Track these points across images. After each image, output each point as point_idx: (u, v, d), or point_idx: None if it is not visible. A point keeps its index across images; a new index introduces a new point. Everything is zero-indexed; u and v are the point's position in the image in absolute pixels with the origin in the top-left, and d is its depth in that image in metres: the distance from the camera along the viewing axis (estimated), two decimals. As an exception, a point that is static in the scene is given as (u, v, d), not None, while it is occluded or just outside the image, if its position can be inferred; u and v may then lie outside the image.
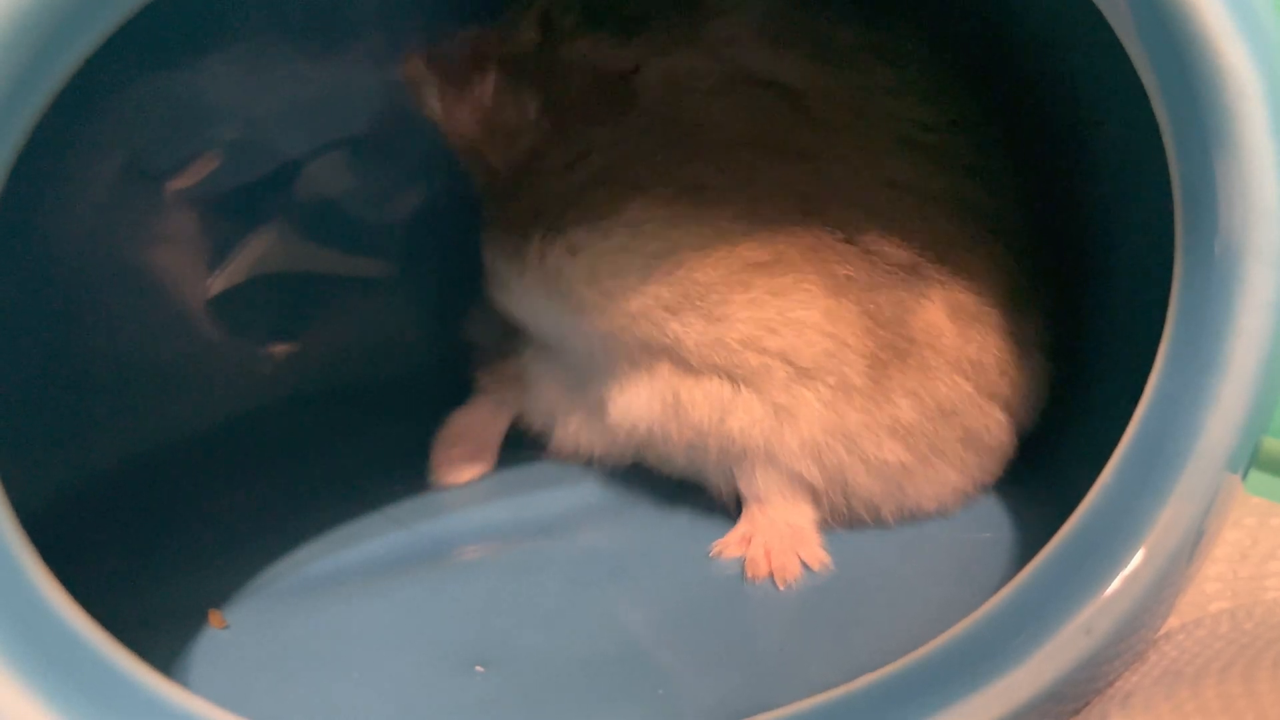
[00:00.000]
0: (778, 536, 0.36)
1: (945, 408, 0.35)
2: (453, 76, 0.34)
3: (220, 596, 0.35)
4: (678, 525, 0.39)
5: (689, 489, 0.39)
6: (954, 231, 0.34)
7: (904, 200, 0.34)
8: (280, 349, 0.48)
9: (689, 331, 0.33)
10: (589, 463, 0.41)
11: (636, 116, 0.33)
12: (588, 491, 0.41)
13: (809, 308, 0.33)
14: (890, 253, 0.33)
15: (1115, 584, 0.28)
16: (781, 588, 0.35)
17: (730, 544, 0.37)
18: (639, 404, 0.36)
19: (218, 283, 0.46)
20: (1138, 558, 0.28)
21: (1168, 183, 0.28)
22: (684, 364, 0.34)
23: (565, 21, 0.34)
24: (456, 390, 0.43)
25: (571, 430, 0.40)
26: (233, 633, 0.34)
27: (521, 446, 0.43)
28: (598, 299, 0.34)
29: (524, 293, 0.36)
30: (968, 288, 0.34)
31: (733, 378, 0.34)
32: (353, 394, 0.48)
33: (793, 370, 0.33)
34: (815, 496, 0.36)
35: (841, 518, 0.37)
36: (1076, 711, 0.29)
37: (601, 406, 0.37)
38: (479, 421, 0.43)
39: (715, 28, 0.34)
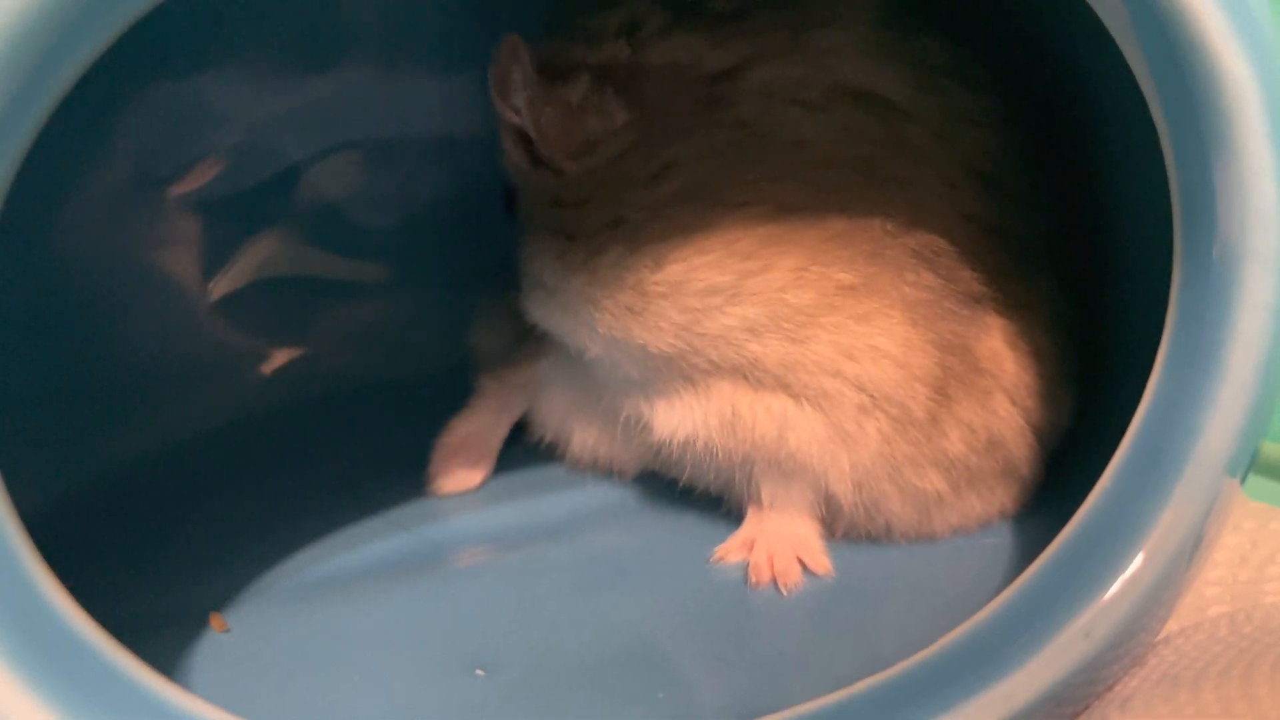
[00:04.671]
0: (781, 542, 0.36)
1: (994, 439, 0.34)
2: (545, 72, 0.32)
3: (221, 599, 0.35)
4: (680, 529, 0.39)
5: (691, 493, 0.39)
6: (1009, 263, 0.34)
7: (973, 232, 0.34)
8: (282, 352, 0.48)
9: (769, 353, 0.33)
10: (605, 473, 0.41)
11: (727, 127, 0.32)
12: (590, 495, 0.41)
13: (889, 336, 0.32)
14: (962, 283, 0.33)
15: (1115, 587, 0.28)
16: (784, 593, 0.35)
17: (732, 549, 0.37)
18: (693, 420, 0.35)
19: (219, 287, 0.46)
20: (1137, 561, 0.28)
21: (1167, 187, 0.28)
22: (747, 381, 0.34)
23: (652, 23, 0.33)
24: (458, 393, 0.43)
25: (591, 442, 0.40)
26: (234, 635, 0.34)
27: (523, 448, 0.43)
28: (677, 316, 0.32)
29: (586, 306, 0.34)
30: (1020, 317, 0.34)
31: (798, 396, 0.34)
32: (355, 397, 0.48)
33: (865, 398, 0.33)
34: (838, 514, 0.36)
35: (858, 535, 0.37)
36: (1076, 714, 0.29)
37: (639, 422, 0.37)
38: (479, 429, 0.42)
39: (818, 37, 0.33)
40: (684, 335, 0.33)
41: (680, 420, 0.35)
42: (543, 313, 0.36)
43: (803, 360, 0.33)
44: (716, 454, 0.35)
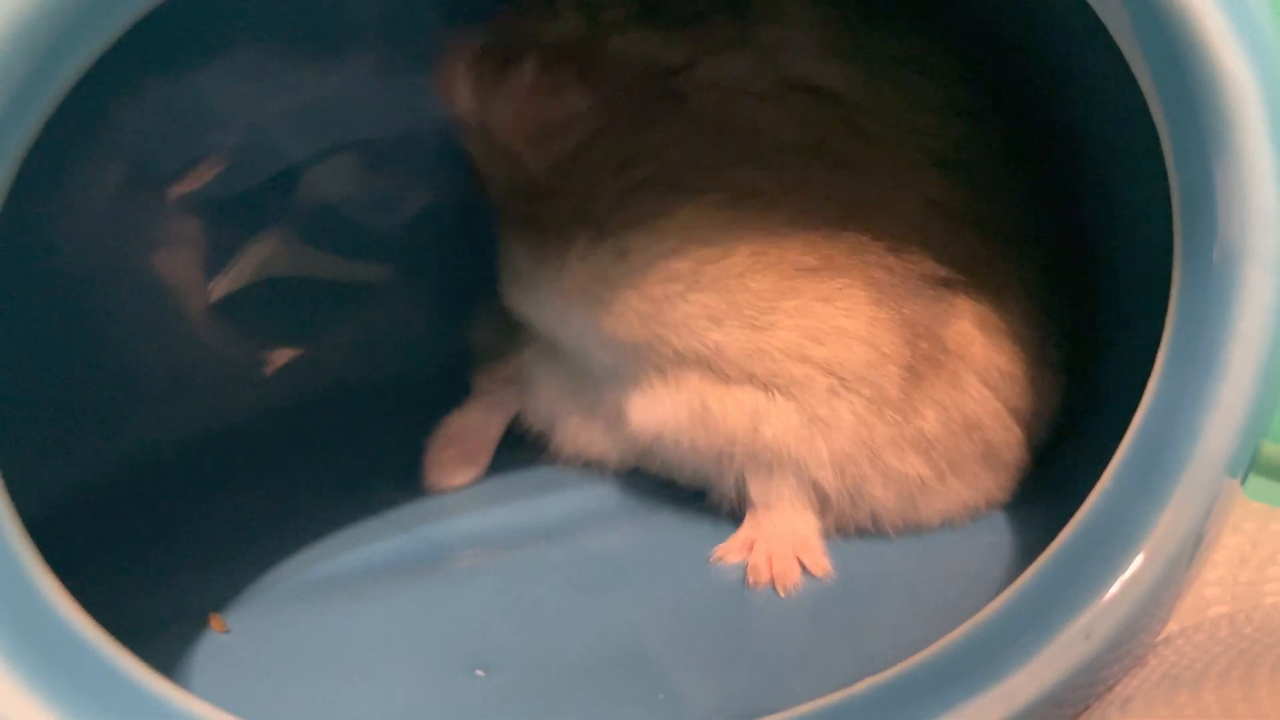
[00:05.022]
0: (780, 542, 0.36)
1: (970, 421, 0.34)
2: (488, 63, 0.32)
3: (221, 600, 0.35)
4: (679, 529, 0.39)
5: (690, 494, 0.39)
6: (980, 248, 0.34)
7: (937, 217, 0.34)
8: (282, 353, 0.48)
9: (731, 341, 0.33)
10: (589, 466, 0.41)
11: (685, 118, 0.32)
12: (589, 496, 0.41)
13: (853, 316, 0.33)
14: (926, 266, 0.33)
15: (1115, 588, 0.28)
16: (783, 594, 0.35)
17: (731, 550, 0.37)
18: (663, 413, 0.35)
19: (220, 287, 0.46)
20: (1137, 562, 0.28)
21: (1167, 188, 0.28)
22: (715, 373, 0.34)
23: (614, 13, 0.33)
24: (458, 394, 0.43)
25: (571, 432, 0.40)
26: (233, 636, 0.34)
27: (522, 449, 0.43)
28: (641, 304, 0.33)
29: (557, 297, 0.34)
30: (994, 303, 0.35)
31: (767, 386, 0.34)
32: (354, 398, 0.48)
33: (834, 381, 0.33)
34: (825, 505, 0.36)
35: (846, 528, 0.37)
36: (1076, 715, 0.29)
37: (618, 414, 0.37)
38: (473, 424, 0.43)
39: (767, 32, 0.33)
40: (649, 324, 0.33)
41: (652, 412, 0.35)
42: (519, 304, 0.37)
43: (766, 348, 0.33)
44: (692, 448, 0.35)
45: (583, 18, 0.33)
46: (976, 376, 0.34)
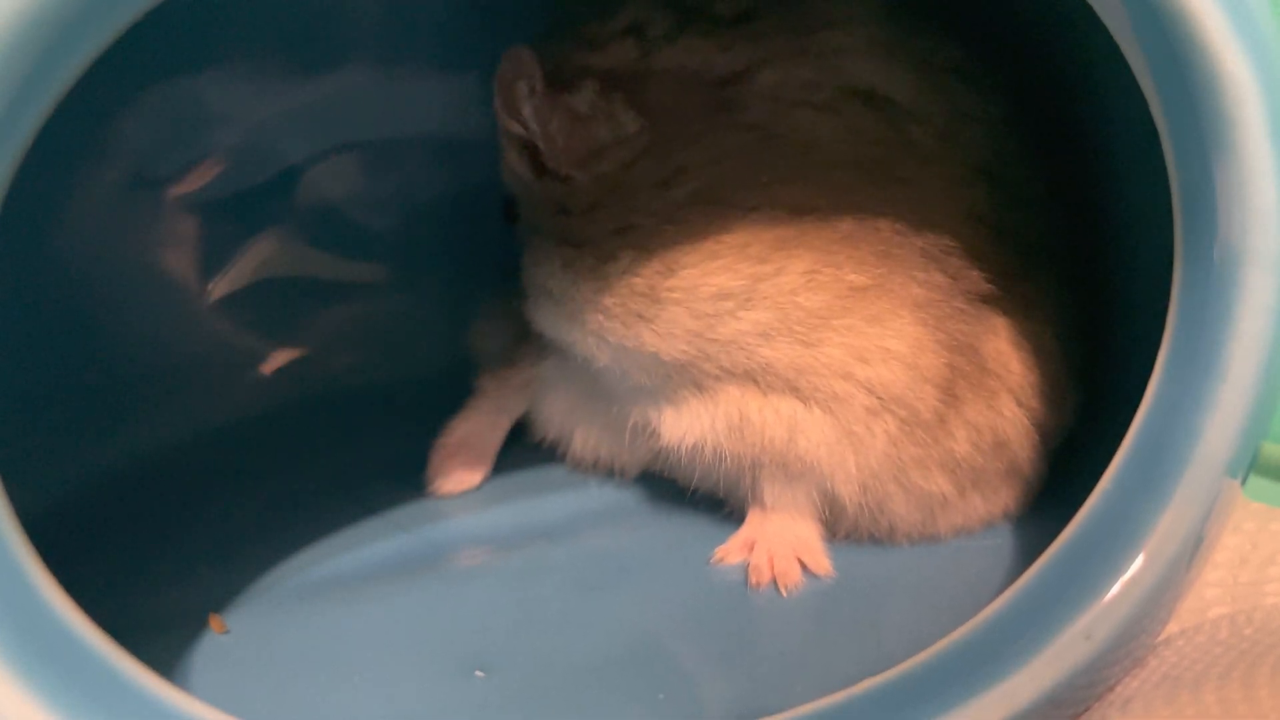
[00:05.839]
0: (781, 543, 0.36)
1: (1000, 439, 0.34)
2: (551, 81, 0.32)
3: (220, 601, 0.35)
4: (680, 530, 0.39)
5: (692, 494, 0.39)
6: (1015, 262, 0.34)
7: (979, 231, 0.34)
8: (282, 352, 0.48)
9: (780, 356, 0.33)
10: (602, 472, 0.41)
11: (736, 132, 0.32)
12: (590, 496, 0.41)
13: (900, 338, 0.32)
14: (968, 282, 0.33)
15: (1115, 589, 0.28)
16: (784, 594, 0.35)
17: (732, 550, 0.37)
18: (701, 426, 0.35)
19: (220, 287, 0.46)
20: (1137, 563, 0.28)
21: (1167, 188, 0.28)
22: (756, 385, 0.34)
23: (658, 26, 0.33)
24: (458, 394, 0.43)
25: (591, 443, 0.40)
26: (233, 637, 0.34)
27: (523, 448, 0.43)
28: (690, 321, 0.32)
29: (597, 313, 0.33)
30: (1026, 316, 0.35)
31: (807, 399, 0.33)
32: (354, 398, 0.48)
33: (874, 400, 0.33)
34: (842, 515, 0.36)
35: (860, 536, 0.37)
36: (1076, 716, 0.29)
37: (644, 426, 0.36)
38: (478, 430, 0.42)
39: (825, 38, 0.33)
40: (696, 341, 0.33)
41: (689, 426, 0.35)
42: (549, 322, 0.36)
43: (814, 364, 0.33)
44: (724, 458, 0.35)
45: (633, 42, 0.33)
46: (1011, 395, 0.34)
